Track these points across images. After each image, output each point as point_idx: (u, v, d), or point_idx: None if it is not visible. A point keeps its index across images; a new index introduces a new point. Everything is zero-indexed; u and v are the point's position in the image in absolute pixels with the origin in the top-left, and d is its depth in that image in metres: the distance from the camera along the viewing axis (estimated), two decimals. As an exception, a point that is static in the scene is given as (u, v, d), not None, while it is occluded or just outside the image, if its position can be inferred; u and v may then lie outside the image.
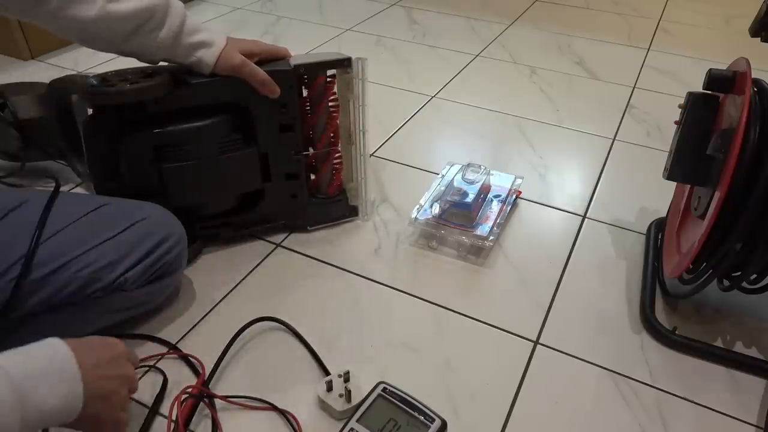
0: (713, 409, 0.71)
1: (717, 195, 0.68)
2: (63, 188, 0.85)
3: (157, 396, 0.70)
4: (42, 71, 1.50)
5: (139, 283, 0.73)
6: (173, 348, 0.76)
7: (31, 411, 0.45)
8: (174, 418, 0.65)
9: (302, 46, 1.63)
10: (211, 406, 0.69)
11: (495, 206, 0.99)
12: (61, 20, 0.70)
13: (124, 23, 0.72)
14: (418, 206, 0.97)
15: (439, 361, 0.76)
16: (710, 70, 0.76)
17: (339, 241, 0.96)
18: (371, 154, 1.18)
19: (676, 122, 0.82)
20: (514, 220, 1.02)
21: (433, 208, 0.97)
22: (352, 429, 0.64)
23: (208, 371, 0.73)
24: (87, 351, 0.52)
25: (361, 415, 0.65)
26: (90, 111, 0.83)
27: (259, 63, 0.81)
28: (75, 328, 0.73)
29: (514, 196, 1.02)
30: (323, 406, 0.69)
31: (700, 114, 0.78)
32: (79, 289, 0.69)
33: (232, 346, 0.77)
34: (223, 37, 0.79)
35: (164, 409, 0.69)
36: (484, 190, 0.99)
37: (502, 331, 0.81)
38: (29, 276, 0.66)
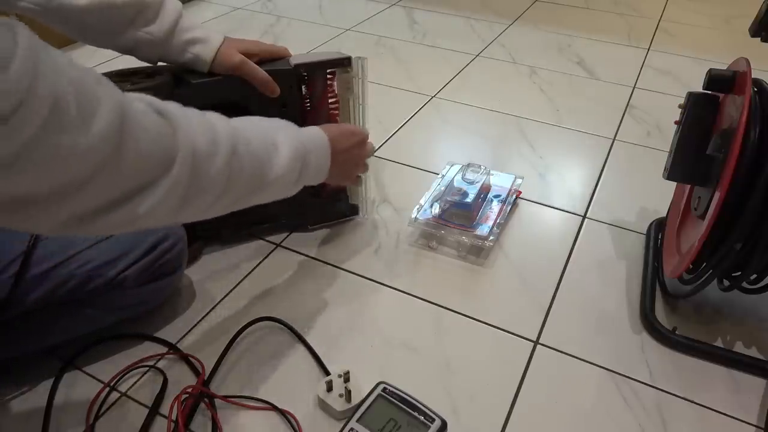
0: (713, 409, 0.71)
1: (717, 195, 0.68)
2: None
3: (157, 396, 0.70)
4: (42, 71, 1.50)
5: (139, 281, 0.73)
6: (173, 348, 0.76)
7: (309, 168, 0.67)
8: (174, 418, 0.65)
9: (302, 46, 1.63)
10: (211, 406, 0.69)
11: (495, 206, 0.99)
12: (53, 10, 0.70)
13: (115, 13, 0.72)
14: (418, 206, 0.97)
15: (439, 361, 0.76)
16: (710, 70, 0.76)
17: (339, 241, 0.96)
18: (370, 156, 1.18)
19: (676, 122, 0.82)
20: (514, 220, 1.02)
21: (433, 208, 0.97)
22: (352, 429, 0.64)
23: (208, 371, 0.73)
24: (337, 139, 0.73)
25: (361, 415, 0.65)
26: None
27: (258, 63, 0.81)
28: (74, 325, 0.73)
29: (514, 196, 1.02)
30: (323, 406, 0.69)
31: (700, 114, 0.78)
32: (78, 285, 0.69)
33: (232, 346, 0.77)
34: (219, 36, 0.79)
35: (164, 409, 0.69)
36: (484, 190, 0.99)
37: (502, 331, 0.81)
38: (29, 272, 0.66)
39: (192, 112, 0.53)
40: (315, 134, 0.70)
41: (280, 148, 0.62)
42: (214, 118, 0.56)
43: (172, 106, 0.51)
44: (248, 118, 0.63)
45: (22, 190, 0.39)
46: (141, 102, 0.48)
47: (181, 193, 0.49)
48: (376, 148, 1.21)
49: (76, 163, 0.40)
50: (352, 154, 0.78)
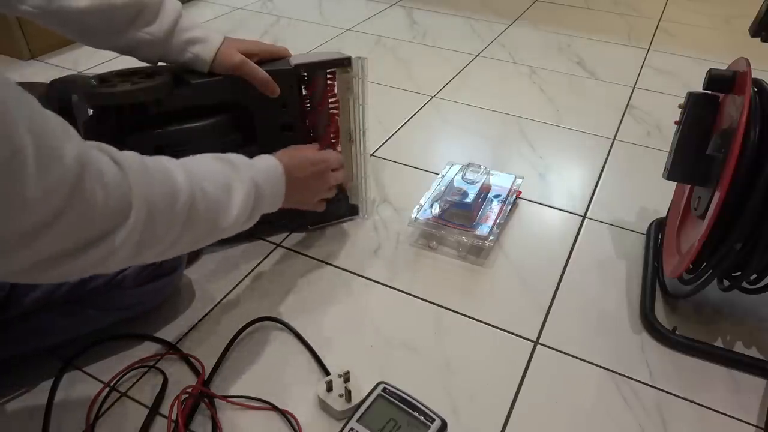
0: (713, 409, 0.71)
1: (717, 195, 0.68)
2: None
3: (157, 396, 0.70)
4: (42, 71, 1.50)
5: (138, 281, 0.73)
6: (173, 348, 0.76)
7: (263, 203, 0.67)
8: (174, 418, 0.65)
9: (302, 46, 1.63)
10: (211, 406, 0.69)
11: (495, 206, 0.99)
12: (53, 12, 0.70)
13: (115, 14, 0.72)
14: (418, 206, 0.97)
15: (439, 361, 0.76)
16: (710, 70, 0.76)
17: (339, 241, 0.96)
18: (371, 154, 1.18)
19: (676, 122, 0.82)
20: (514, 220, 1.02)
21: (433, 208, 0.97)
22: (352, 429, 0.64)
23: (208, 371, 0.73)
24: (293, 165, 0.73)
25: (361, 415, 0.65)
26: (90, 111, 0.83)
27: (258, 63, 0.81)
28: (74, 325, 0.73)
29: (514, 196, 1.02)
30: (323, 406, 0.69)
31: (700, 114, 0.78)
32: (77, 285, 0.69)
33: (232, 346, 0.77)
34: (219, 36, 0.79)
35: (164, 409, 0.69)
36: (484, 190, 0.99)
37: (502, 331, 0.81)
38: None
39: (151, 162, 0.53)
40: (269, 167, 0.70)
41: (234, 192, 0.62)
42: (173, 165, 0.56)
43: (132, 158, 0.51)
44: (203, 160, 0.63)
45: None
46: (99, 150, 0.48)
47: (135, 244, 0.50)
48: (377, 147, 1.21)
49: (30, 211, 0.40)
50: (309, 184, 0.78)
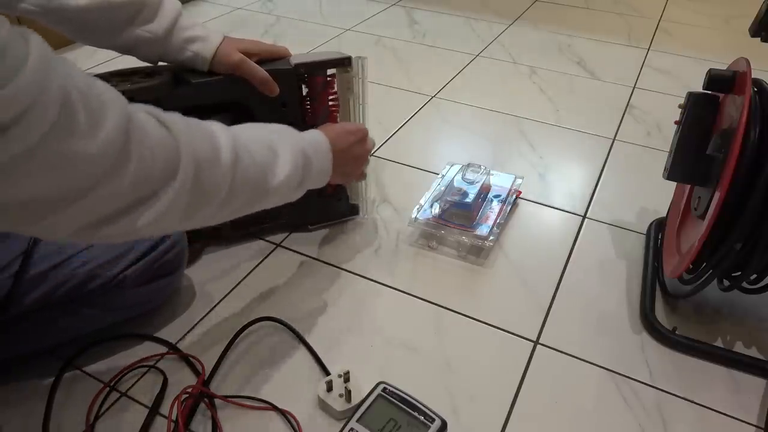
0: (713, 409, 0.71)
1: (717, 195, 0.68)
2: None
3: (157, 396, 0.70)
4: (42, 71, 1.50)
5: (139, 281, 0.73)
6: (173, 348, 0.76)
7: (311, 172, 0.68)
8: (174, 418, 0.65)
9: (302, 46, 1.62)
10: (211, 406, 0.69)
11: (495, 206, 0.99)
12: (53, 11, 0.70)
13: (115, 12, 0.72)
14: (418, 206, 0.97)
15: (439, 361, 0.76)
16: (710, 70, 0.76)
17: (339, 241, 0.96)
18: (371, 154, 1.18)
19: (676, 122, 0.82)
20: (514, 220, 1.02)
21: (433, 208, 0.97)
22: (352, 429, 0.64)
23: (208, 371, 0.73)
24: (337, 139, 0.74)
25: (361, 415, 0.65)
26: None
27: (258, 62, 0.81)
28: (74, 325, 0.73)
29: (514, 196, 1.02)
30: (323, 406, 0.69)
31: (700, 114, 0.78)
32: (77, 286, 0.69)
33: (232, 346, 0.77)
34: (218, 35, 0.79)
35: (164, 409, 0.69)
36: (484, 190, 0.99)
37: (502, 331, 0.81)
38: (28, 272, 0.66)
39: (194, 122, 0.54)
40: (315, 138, 0.70)
41: (281, 155, 0.62)
42: (216, 127, 0.56)
43: (175, 117, 0.52)
44: (249, 125, 0.63)
45: (28, 195, 0.39)
46: (145, 112, 0.49)
47: (185, 203, 0.50)
48: (376, 148, 1.21)
49: (82, 169, 0.41)
50: (353, 153, 0.79)
